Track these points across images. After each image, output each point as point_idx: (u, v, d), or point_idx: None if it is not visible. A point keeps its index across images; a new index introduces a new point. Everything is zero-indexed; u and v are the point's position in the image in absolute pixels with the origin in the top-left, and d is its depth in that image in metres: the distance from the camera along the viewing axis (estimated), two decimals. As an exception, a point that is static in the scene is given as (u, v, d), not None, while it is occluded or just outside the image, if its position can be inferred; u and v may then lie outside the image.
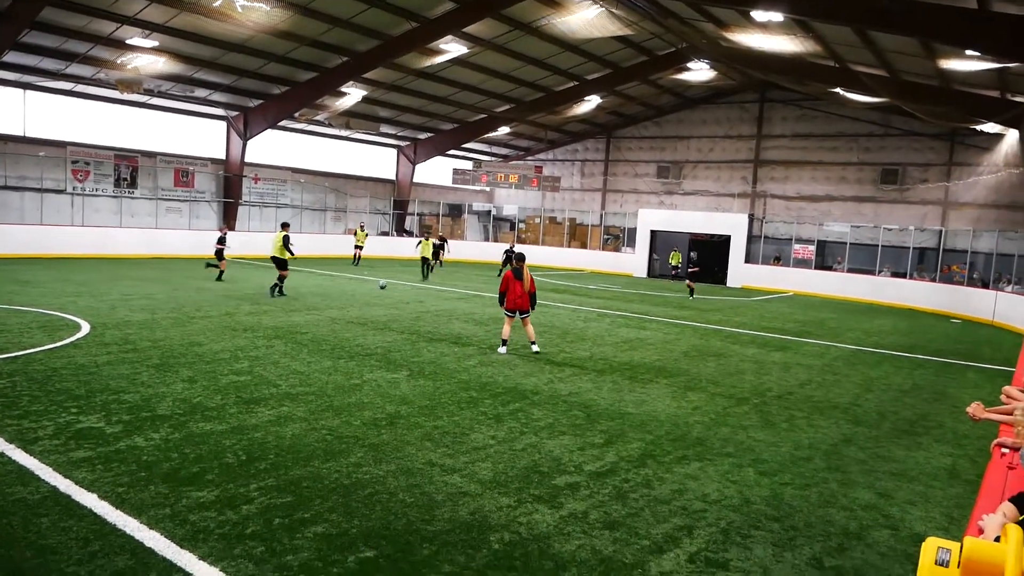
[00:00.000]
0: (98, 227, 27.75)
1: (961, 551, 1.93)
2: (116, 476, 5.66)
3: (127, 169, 29.30)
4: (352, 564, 4.51)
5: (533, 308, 12.44)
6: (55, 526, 4.76)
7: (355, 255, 31.06)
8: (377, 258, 35.14)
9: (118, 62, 24.47)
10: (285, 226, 19.15)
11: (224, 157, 32.11)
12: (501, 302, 12.35)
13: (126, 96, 27.25)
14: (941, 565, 1.95)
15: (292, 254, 18.70)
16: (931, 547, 2.00)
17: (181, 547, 4.57)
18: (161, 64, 24.96)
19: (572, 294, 23.61)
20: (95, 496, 5.24)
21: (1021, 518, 2.88)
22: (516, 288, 12.17)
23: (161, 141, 30.65)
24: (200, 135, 31.79)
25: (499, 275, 29.82)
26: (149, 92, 27.56)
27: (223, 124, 31.75)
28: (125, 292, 16.89)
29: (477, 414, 8.21)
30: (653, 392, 9.93)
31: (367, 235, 32.26)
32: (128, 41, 22.92)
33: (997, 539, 2.38)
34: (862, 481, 6.73)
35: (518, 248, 30.62)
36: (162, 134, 30.75)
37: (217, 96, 29.14)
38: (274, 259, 18.49)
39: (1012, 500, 3.12)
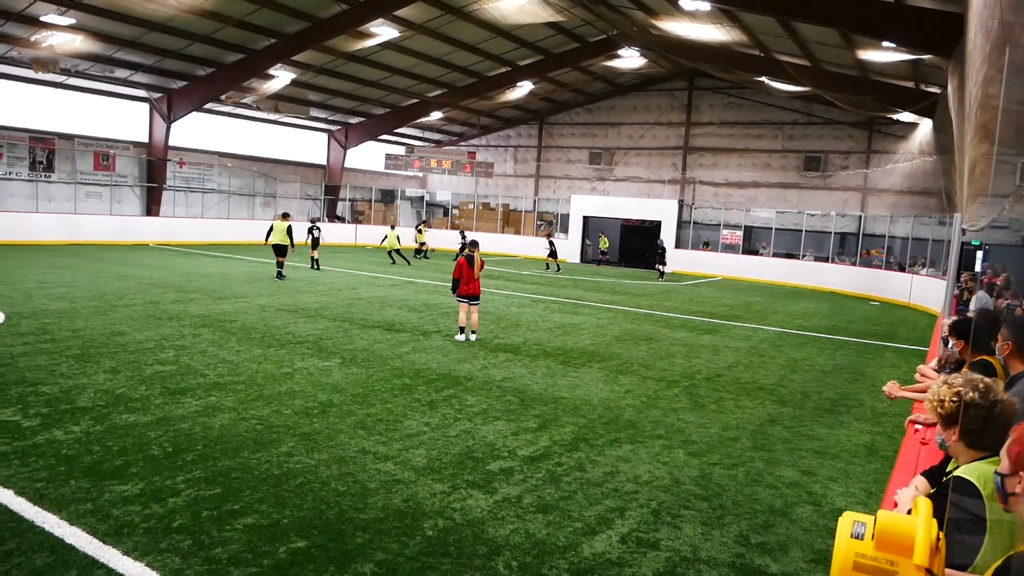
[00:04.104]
0: (12, 212, 26.41)
1: (875, 524, 2.01)
2: (34, 471, 5.44)
3: (43, 152, 27.99)
4: (283, 555, 4.44)
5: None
6: (-33, 526, 4.55)
7: (421, 250, 31.43)
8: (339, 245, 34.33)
9: (32, 40, 23.27)
10: (287, 216, 20.59)
11: (147, 140, 30.90)
12: (454, 289, 12.28)
13: (41, 76, 25.96)
14: (856, 538, 2.02)
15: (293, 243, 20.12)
16: (847, 521, 2.08)
17: (104, 543, 4.42)
18: (79, 43, 23.84)
19: (506, 280, 23.66)
20: (11, 492, 5.03)
21: (932, 491, 3.02)
22: (469, 275, 12.14)
23: (80, 123, 29.29)
24: (121, 117, 30.49)
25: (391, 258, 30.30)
26: (66, 72, 26.29)
27: (146, 106, 30.53)
28: (42, 280, 16.16)
29: (411, 401, 8.17)
30: (586, 376, 10.05)
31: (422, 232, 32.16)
32: (43, 18, 21.78)
33: (910, 511, 2.48)
34: (787, 459, 6.96)
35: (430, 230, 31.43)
36: (81, 116, 29.37)
37: (139, 77, 28.02)
38: (276, 247, 19.84)
39: (924, 474, 3.28)
